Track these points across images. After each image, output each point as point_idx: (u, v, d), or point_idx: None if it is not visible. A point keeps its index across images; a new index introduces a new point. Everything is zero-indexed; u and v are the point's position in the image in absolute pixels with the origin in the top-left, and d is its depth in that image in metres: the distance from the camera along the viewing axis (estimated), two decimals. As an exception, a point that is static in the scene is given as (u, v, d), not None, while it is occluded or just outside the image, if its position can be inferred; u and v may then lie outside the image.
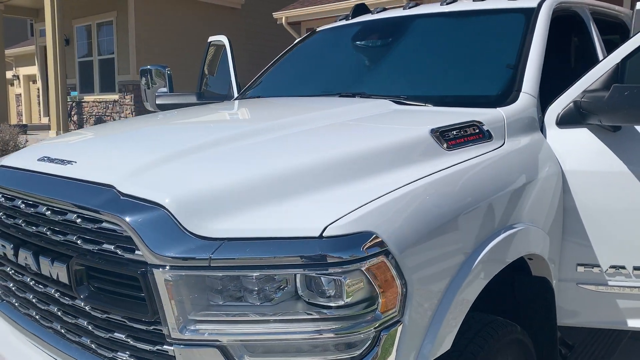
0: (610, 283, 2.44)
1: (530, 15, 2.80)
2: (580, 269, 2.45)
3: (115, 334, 1.61)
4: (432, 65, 2.86)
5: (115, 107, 16.13)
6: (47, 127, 15.88)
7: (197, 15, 16.61)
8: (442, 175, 1.79)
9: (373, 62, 3.11)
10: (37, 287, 1.87)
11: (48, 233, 1.74)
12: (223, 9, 17.20)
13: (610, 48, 3.14)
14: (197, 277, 1.45)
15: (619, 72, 2.35)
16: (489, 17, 2.93)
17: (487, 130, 2.16)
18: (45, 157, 1.93)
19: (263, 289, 1.46)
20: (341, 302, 1.44)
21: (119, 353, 1.63)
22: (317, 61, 3.45)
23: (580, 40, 3.32)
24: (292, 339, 1.46)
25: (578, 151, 2.40)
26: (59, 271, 1.69)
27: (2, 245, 1.96)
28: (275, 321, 1.45)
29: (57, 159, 1.87)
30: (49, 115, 17.26)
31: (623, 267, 2.41)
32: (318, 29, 3.82)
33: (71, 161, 1.82)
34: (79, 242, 1.63)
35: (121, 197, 1.56)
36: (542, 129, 2.45)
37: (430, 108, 2.43)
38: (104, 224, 1.55)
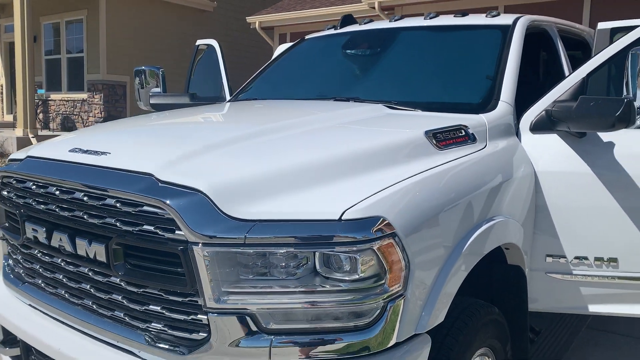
0: (574, 272, 2.75)
1: (506, 31, 3.11)
2: (549, 259, 2.76)
3: (151, 306, 1.81)
4: (419, 74, 3.14)
5: (84, 106, 15.98)
6: (11, 125, 15.60)
7: (169, 16, 16.65)
8: (437, 171, 2.06)
9: (364, 70, 3.37)
10: (69, 267, 2.04)
11: (85, 217, 1.92)
12: (194, 11, 17.27)
13: (574, 63, 3.49)
14: (232, 253, 1.66)
15: (584, 86, 2.67)
16: (470, 32, 3.23)
17: (472, 134, 2.44)
18: (76, 148, 2.10)
19: (288, 264, 1.68)
20: (355, 276, 1.67)
21: (152, 324, 1.82)
22: (310, 67, 3.69)
23: (548, 54, 3.65)
24: (311, 308, 1.68)
25: (549, 154, 2.70)
26: (96, 250, 1.87)
27: (33, 229, 2.12)
28: (297, 292, 1.68)
29: (91, 150, 2.05)
30: (13, 113, 16.96)
31: (586, 258, 2.72)
32: (306, 37, 4.06)
33: (105, 152, 2.00)
34: (118, 224, 1.82)
35: (160, 184, 1.76)
36: (518, 134, 2.74)
37: (420, 113, 2.70)
38: (145, 208, 1.75)
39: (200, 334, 1.73)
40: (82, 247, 1.92)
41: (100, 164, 1.95)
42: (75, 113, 16.32)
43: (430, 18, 3.46)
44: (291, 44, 5.17)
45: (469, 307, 2.19)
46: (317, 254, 1.68)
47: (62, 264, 2.07)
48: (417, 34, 3.35)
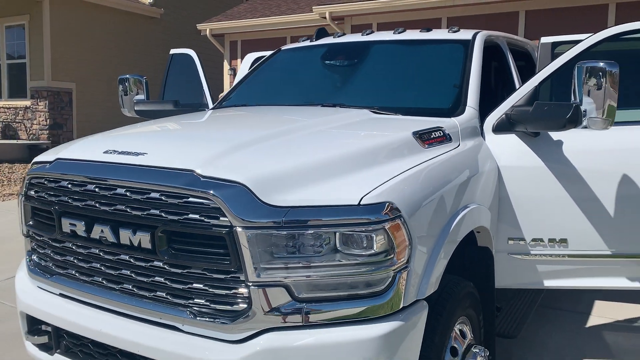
0: (532, 252, 3.22)
1: (467, 45, 3.57)
2: (511, 242, 3.22)
3: (194, 284, 2.10)
4: (395, 82, 3.55)
5: (27, 113, 15.62)
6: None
7: (115, 23, 16.54)
8: (426, 165, 2.45)
9: (344, 79, 3.75)
10: (108, 256, 2.29)
11: (128, 210, 2.18)
12: (141, 18, 17.22)
13: (520, 71, 4.01)
14: (270, 235, 1.98)
15: (537, 93, 3.15)
16: (436, 45, 3.67)
17: (448, 134, 2.86)
18: (111, 150, 2.36)
19: (315, 244, 2.02)
20: (371, 251, 2.03)
21: (194, 300, 2.11)
22: (291, 76, 4.03)
23: (500, 65, 4.15)
24: (335, 279, 2.03)
25: (509, 152, 3.16)
26: (141, 239, 2.15)
27: (71, 224, 2.35)
28: (323, 266, 2.02)
29: (126, 152, 2.31)
30: (-51, 121, 16.34)
31: (541, 240, 3.20)
32: (282, 48, 4.40)
33: (142, 153, 2.27)
34: (163, 214, 2.10)
35: (201, 179, 2.06)
36: (482, 135, 3.19)
37: (400, 117, 3.10)
38: (191, 199, 2.04)
39: (240, 305, 2.04)
40: (126, 237, 2.19)
41: (141, 163, 2.22)
42: (17, 121, 15.91)
43: (399, 33, 3.88)
44: (261, 53, 5.50)
45: (451, 281, 2.58)
46: (337, 235, 2.03)
47: (101, 253, 2.32)
48: (390, 47, 3.76)
